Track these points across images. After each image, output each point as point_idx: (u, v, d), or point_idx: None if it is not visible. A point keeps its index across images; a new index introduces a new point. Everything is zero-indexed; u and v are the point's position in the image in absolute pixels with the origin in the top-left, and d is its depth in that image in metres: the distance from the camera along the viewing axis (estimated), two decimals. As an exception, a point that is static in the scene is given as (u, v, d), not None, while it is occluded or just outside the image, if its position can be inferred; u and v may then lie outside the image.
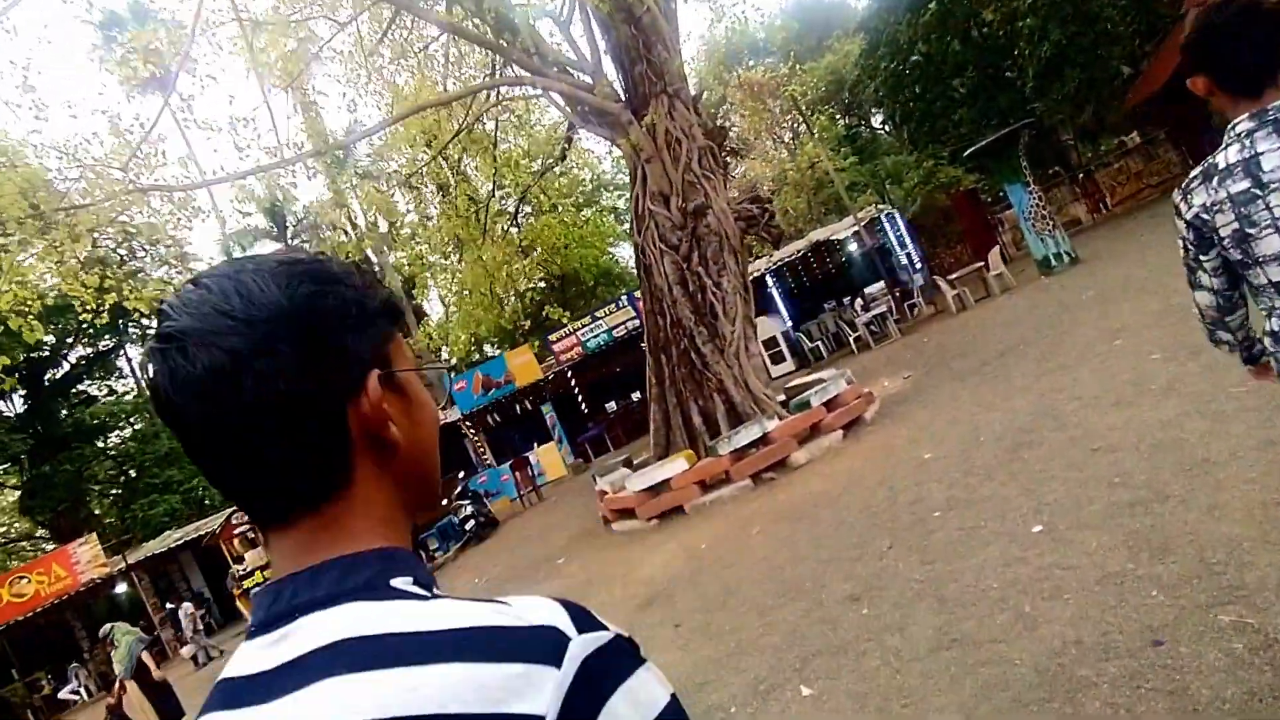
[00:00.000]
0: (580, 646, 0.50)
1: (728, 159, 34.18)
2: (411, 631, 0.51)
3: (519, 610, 0.53)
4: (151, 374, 0.57)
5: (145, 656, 7.75)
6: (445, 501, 15.00)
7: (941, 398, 7.60)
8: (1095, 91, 19.37)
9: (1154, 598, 2.72)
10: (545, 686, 0.48)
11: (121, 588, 19.09)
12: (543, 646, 0.50)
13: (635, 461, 9.70)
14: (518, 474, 15.58)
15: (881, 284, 16.51)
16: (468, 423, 18.78)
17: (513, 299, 26.87)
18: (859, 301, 16.61)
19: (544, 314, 16.68)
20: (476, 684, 0.48)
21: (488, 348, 32.75)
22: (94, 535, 18.62)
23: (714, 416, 8.57)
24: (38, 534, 27.34)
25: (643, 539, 7.55)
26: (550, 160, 15.30)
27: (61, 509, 23.12)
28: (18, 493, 25.65)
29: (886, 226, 17.45)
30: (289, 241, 28.25)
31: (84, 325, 23.62)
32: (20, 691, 17.62)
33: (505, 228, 18.45)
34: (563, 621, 0.52)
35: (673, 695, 0.53)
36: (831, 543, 4.88)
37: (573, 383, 18.87)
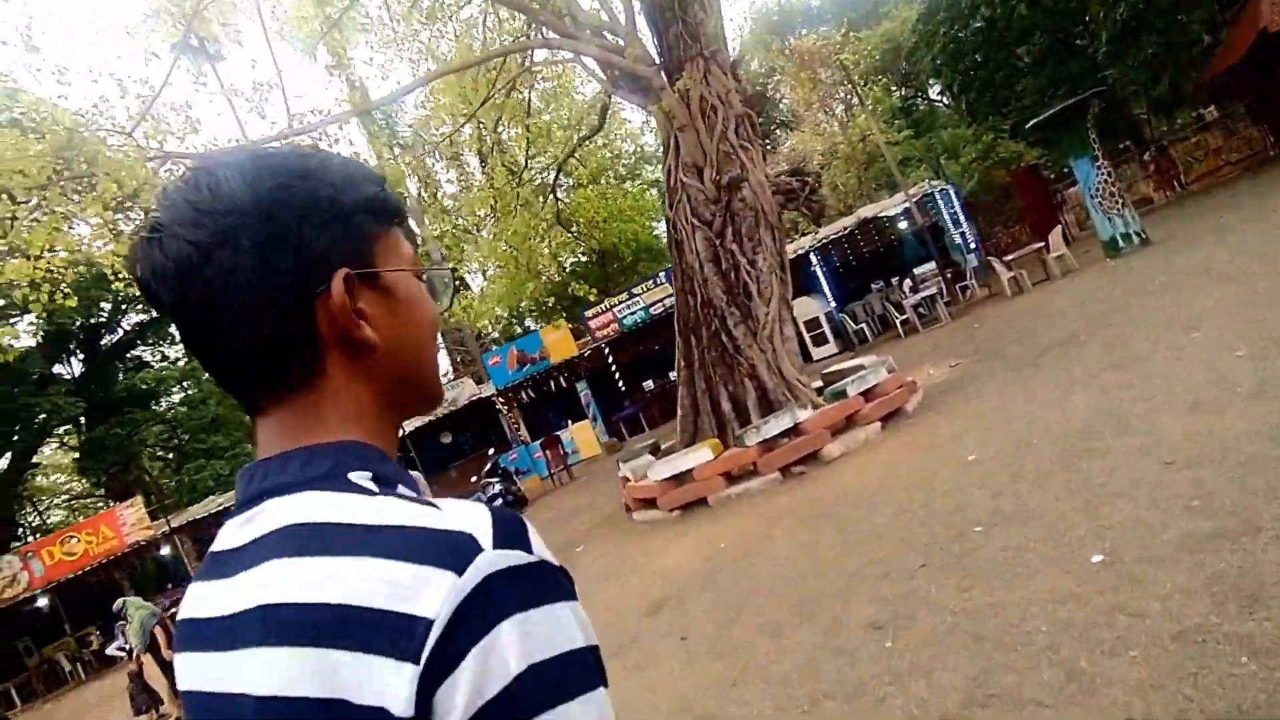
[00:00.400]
0: (489, 561, 0.48)
1: (777, 130, 33.18)
2: (345, 523, 0.52)
3: (448, 514, 0.52)
4: (136, 262, 0.59)
5: (158, 631, 7.72)
6: (473, 479, 14.90)
7: (991, 390, 6.98)
8: (1173, 59, 17.95)
9: (1244, 666, 2.20)
10: (440, 591, 0.47)
11: (166, 550, 19.61)
12: (452, 552, 0.49)
13: (663, 446, 9.30)
14: (549, 452, 15.35)
15: (932, 264, 15.66)
16: (501, 399, 18.62)
17: (550, 272, 26.60)
18: (907, 282, 15.81)
19: (570, 290, 16.27)
20: (385, 579, 0.48)
21: (529, 322, 32.67)
22: (139, 498, 19.11)
23: (744, 403, 8.09)
24: (97, 493, 28.45)
25: (663, 531, 7.17)
26: (587, 131, 14.78)
27: (114, 471, 23.87)
28: (76, 454, 26.63)
29: (939, 203, 16.54)
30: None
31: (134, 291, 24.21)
32: (71, 646, 18.28)
33: (543, 199, 18.10)
34: (482, 531, 0.50)
35: (585, 648, 0.50)
36: (858, 553, 4.41)
37: (609, 360, 18.51)
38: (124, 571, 19.42)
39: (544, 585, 0.50)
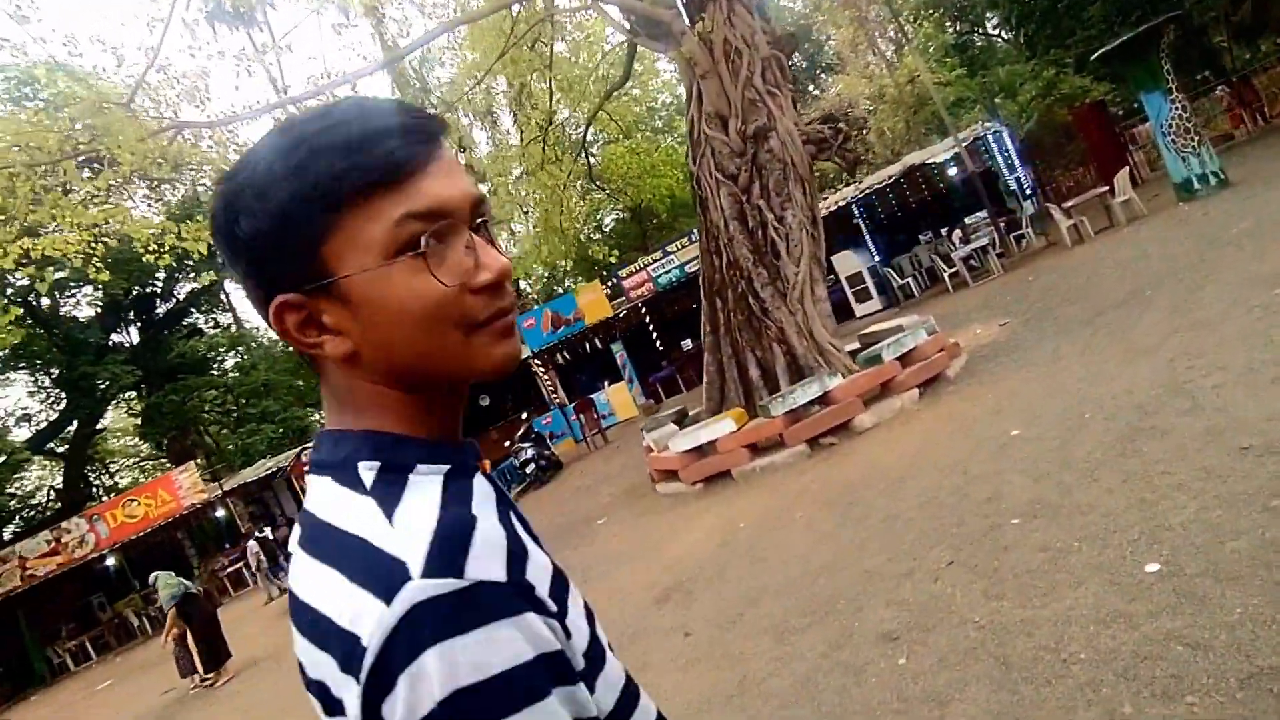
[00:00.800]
0: (414, 591, 0.50)
1: (821, 74, 31.64)
2: (330, 525, 0.57)
3: (396, 531, 0.53)
4: None
5: (173, 613, 7.81)
6: (507, 443, 14.80)
7: (1041, 355, 6.38)
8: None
9: (1338, 731, 1.75)
10: (371, 617, 0.50)
11: (221, 511, 20.25)
12: (385, 578, 0.50)
13: (691, 414, 8.92)
14: (583, 415, 15.13)
15: (984, 213, 14.69)
16: (537, 361, 18.44)
17: (586, 230, 26.09)
18: (957, 233, 14.90)
19: (593, 253, 15.82)
20: (343, 594, 0.52)
21: (569, 282, 32.35)
22: (193, 463, 19.70)
23: (773, 369, 7.63)
24: (160, 456, 29.62)
25: (684, 507, 6.84)
26: (614, 83, 14.14)
27: (173, 435, 24.68)
28: (138, 419, 27.68)
29: (993, 147, 15.45)
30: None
31: (187, 260, 24.69)
32: (136, 602, 19.15)
33: (574, 156, 17.60)
34: (415, 556, 0.51)
35: (530, 661, 0.51)
36: (880, 545, 3.99)
37: (647, 320, 18.08)
38: (185, 531, 20.19)
39: (475, 609, 0.50)
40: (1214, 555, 2.58)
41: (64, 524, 18.93)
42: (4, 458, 21.47)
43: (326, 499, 0.59)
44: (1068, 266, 10.39)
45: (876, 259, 15.84)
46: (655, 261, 17.66)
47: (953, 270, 13.68)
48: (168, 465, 26.37)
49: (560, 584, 0.62)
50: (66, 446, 25.47)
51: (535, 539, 0.65)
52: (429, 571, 0.50)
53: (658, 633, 4.20)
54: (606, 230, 31.49)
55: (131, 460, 33.99)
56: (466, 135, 24.40)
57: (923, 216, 18.12)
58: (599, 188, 18.94)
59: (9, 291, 22.01)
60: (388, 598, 0.49)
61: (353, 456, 0.59)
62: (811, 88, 31.98)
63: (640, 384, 18.30)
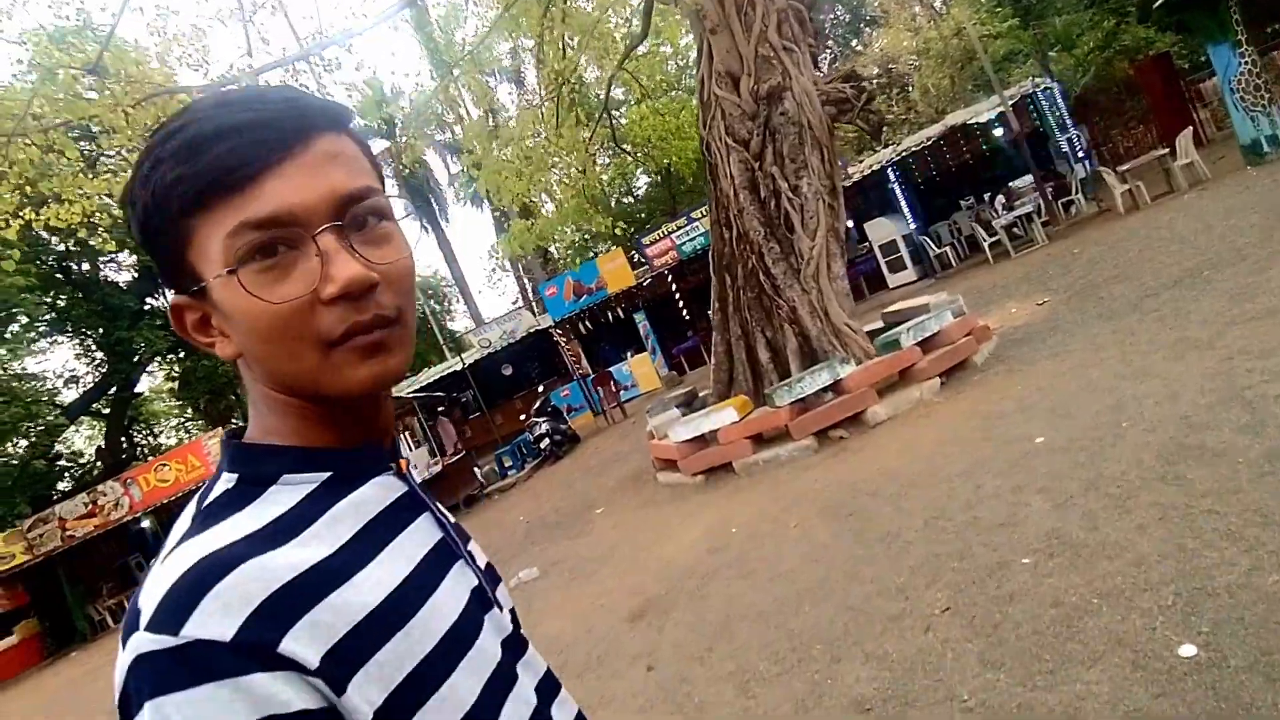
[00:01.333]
0: (137, 644, 0.50)
1: (865, 28, 30.09)
2: (163, 549, 0.56)
3: (164, 568, 0.52)
4: None
5: None
6: (523, 417, 14.52)
7: (1079, 343, 5.72)
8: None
9: None
10: (119, 663, 0.50)
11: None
12: (130, 625, 0.51)
13: (701, 394, 8.43)
14: (601, 389, 14.74)
15: (1030, 178, 13.68)
16: (559, 330, 18.06)
17: (609, 192, 25.34)
18: (1000, 199, 13.95)
19: (617, 218, 15.23)
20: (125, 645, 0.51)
21: (604, 247, 31.75)
22: (219, 429, 19.92)
23: (784, 352, 7.08)
24: (197, 420, 30.28)
25: (681, 501, 6.40)
26: (634, 39, 13.38)
27: (206, 399, 25.08)
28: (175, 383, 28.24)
29: (1043, 105, 14.35)
30: (398, 140, 27.95)
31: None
32: (170, 564, 19.60)
33: (598, 116, 16.94)
34: (149, 607, 0.50)
35: None
36: (873, 572, 3.50)
37: (674, 288, 17.49)
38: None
39: (186, 668, 0.48)
40: (1267, 641, 2.04)
41: (100, 487, 19.37)
42: (43, 425, 22.02)
43: (180, 521, 0.58)
44: (1119, 238, 9.53)
45: (913, 226, 14.96)
46: (679, 229, 17.02)
47: (994, 239, 12.80)
48: (206, 427, 26.92)
49: (400, 624, 0.56)
50: (108, 409, 26.13)
51: (455, 547, 0.66)
52: (151, 624, 0.49)
53: (623, 659, 3.79)
54: (638, 195, 30.71)
55: (175, 421, 34.87)
56: (492, 96, 23.82)
57: (964, 181, 17.08)
58: (623, 150, 18.22)
59: (49, 258, 22.38)
60: (124, 644, 0.50)
61: (220, 467, 0.59)
62: (855, 42, 30.49)
63: (664, 355, 17.83)
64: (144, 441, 31.72)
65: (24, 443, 23.79)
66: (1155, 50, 16.37)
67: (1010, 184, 14.63)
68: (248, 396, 0.62)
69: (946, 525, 3.64)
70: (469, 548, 0.71)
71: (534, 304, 23.39)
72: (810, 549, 4.13)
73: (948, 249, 14.15)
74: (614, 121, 17.35)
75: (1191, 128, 11.84)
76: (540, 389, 16.90)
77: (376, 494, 0.62)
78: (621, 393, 16.71)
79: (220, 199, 0.54)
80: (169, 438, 33.82)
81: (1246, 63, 9.90)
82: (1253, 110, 9.93)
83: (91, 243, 11.22)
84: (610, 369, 16.95)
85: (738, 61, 7.29)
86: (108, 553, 20.02)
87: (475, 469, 13.40)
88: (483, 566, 0.71)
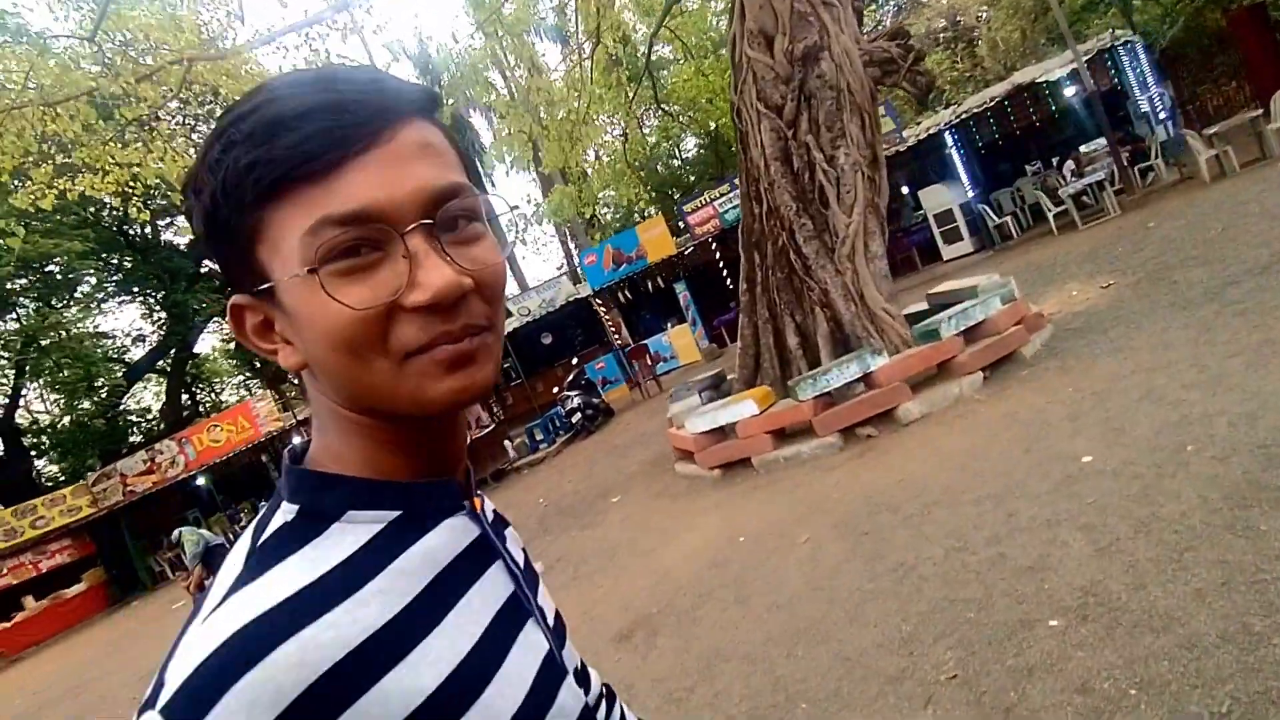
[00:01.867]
0: None
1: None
2: (195, 621, 0.49)
3: (200, 630, 0.47)
4: None
5: (198, 570, 7.73)
6: (555, 389, 14.29)
7: (1145, 338, 5.07)
8: None
9: None
10: None
11: (298, 439, 20.96)
12: (150, 696, 0.46)
13: (730, 375, 7.98)
14: (636, 362, 14.38)
15: (1104, 141, 12.56)
16: (598, 300, 17.70)
17: (652, 156, 24.61)
18: (1070, 165, 12.88)
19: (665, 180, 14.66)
20: None
21: (652, 211, 31.08)
22: (269, 391, 20.37)
23: (814, 338, 6.58)
24: (254, 381, 31.20)
25: (695, 496, 6.02)
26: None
27: (258, 361, 25.71)
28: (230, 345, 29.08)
29: (1123, 60, 13.11)
30: (443, 102, 27.68)
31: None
32: (223, 522, 20.30)
33: (640, 77, 16.34)
34: (173, 683, 0.45)
35: None
36: (878, 612, 3.07)
37: (717, 257, 16.88)
38: (269, 454, 21.11)
39: None
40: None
41: (158, 445, 20.09)
42: (108, 385, 22.92)
43: (238, 547, 0.53)
44: (1201, 211, 8.60)
45: (971, 194, 13.99)
46: (722, 196, 16.34)
47: (1060, 209, 11.83)
48: (265, 385, 27.71)
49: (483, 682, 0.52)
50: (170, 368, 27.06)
51: (526, 602, 0.61)
52: (169, 709, 0.44)
53: (600, 691, 3.48)
54: (687, 158, 29.85)
55: (238, 380, 36.05)
56: (535, 55, 23.25)
57: (1031, 144, 15.89)
58: (666, 111, 17.54)
59: (109, 222, 23.03)
60: (138, 716, 0.46)
61: (280, 494, 0.55)
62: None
63: (705, 326, 17.33)
64: (206, 399, 32.90)
65: (94, 399, 24.87)
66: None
67: (1081, 148, 13.51)
68: (312, 412, 0.58)
69: (968, 561, 3.17)
70: (539, 599, 0.65)
71: (576, 270, 23.07)
72: (816, 573, 3.72)
73: (1009, 219, 13.19)
74: (656, 82, 16.70)
75: (1292, 86, 10.60)
76: (574, 361, 16.61)
77: (448, 540, 0.56)
78: (660, 364, 16.33)
79: (299, 190, 0.48)
80: (232, 395, 34.99)
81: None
82: (1368, 65, 8.76)
83: (130, 211, 11.29)
84: (648, 340, 16.56)
85: (772, 18, 6.66)
86: (166, 507, 20.83)
87: (507, 441, 13.27)
88: (550, 618, 0.65)
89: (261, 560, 0.50)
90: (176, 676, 0.45)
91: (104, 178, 10.24)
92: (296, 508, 0.53)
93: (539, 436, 13.22)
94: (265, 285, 0.51)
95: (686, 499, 6.07)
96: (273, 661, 0.44)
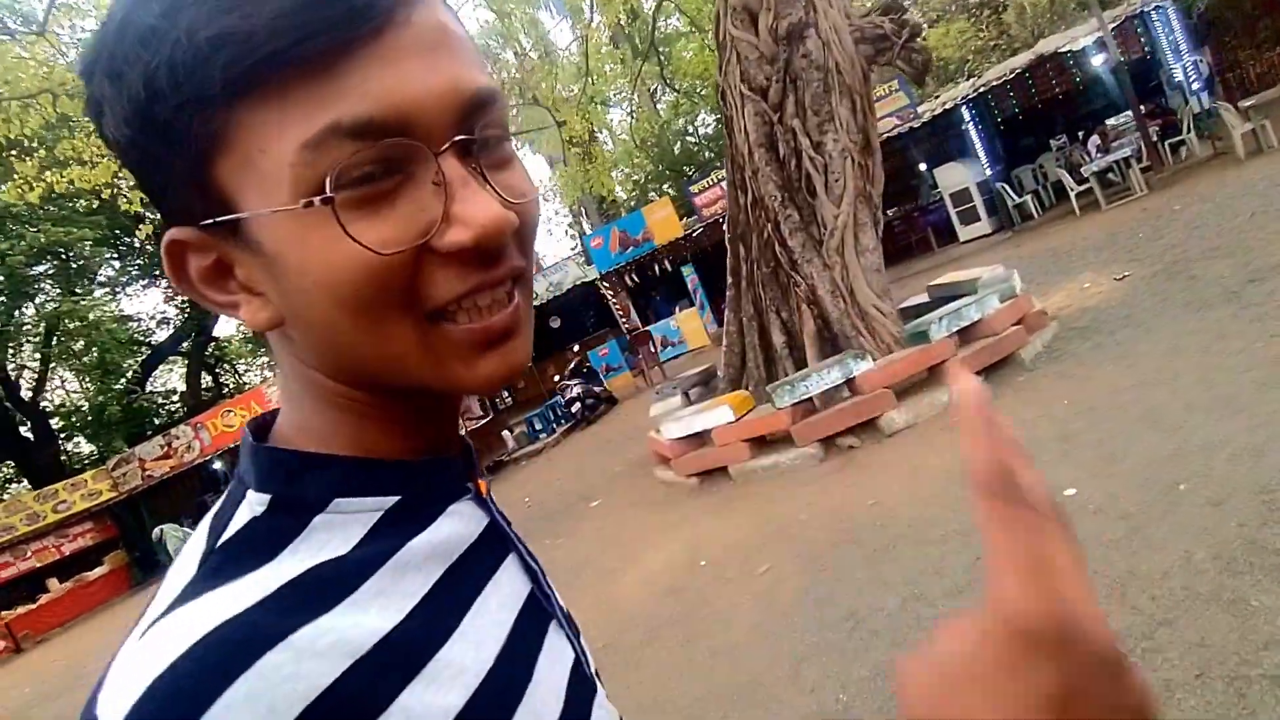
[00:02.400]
0: None
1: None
2: (160, 598, 0.38)
3: (138, 651, 0.34)
4: None
5: None
6: (557, 377, 14.04)
7: (1153, 343, 4.63)
8: None
9: None
10: None
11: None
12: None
13: (720, 372, 7.62)
14: (640, 349, 14.06)
15: (1130, 114, 11.82)
16: (605, 283, 17.36)
17: (664, 132, 24.00)
18: (1094, 139, 12.17)
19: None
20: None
21: (668, 189, 30.50)
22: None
23: (799, 337, 6.20)
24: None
25: (669, 507, 5.72)
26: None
27: (276, 343, 25.90)
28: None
29: (1156, 27, 12.31)
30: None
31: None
32: (238, 505, 20.56)
33: (644, 51, 15.88)
34: (110, 711, 0.33)
35: None
36: (815, 679, 2.75)
37: (727, 239, 16.40)
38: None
39: None
40: None
41: (174, 430, 20.33)
42: (127, 368, 23.25)
43: (188, 546, 0.41)
44: (1232, 192, 7.99)
45: (989, 172, 13.34)
46: (731, 175, 15.81)
47: (1084, 187, 11.19)
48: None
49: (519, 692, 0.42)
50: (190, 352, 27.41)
51: (546, 602, 0.50)
52: None
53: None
54: (706, 134, 29.16)
55: (262, 360, 36.50)
56: (544, 32, 22.73)
57: (1056, 117, 15.09)
58: (673, 88, 17.03)
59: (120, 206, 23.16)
60: None
61: (242, 481, 0.42)
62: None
63: (713, 310, 16.92)
64: (229, 381, 33.31)
65: (117, 383, 25.26)
66: (1303, -45, 13.74)
67: (1109, 121, 12.76)
68: (280, 379, 0.45)
69: (922, 615, 2.83)
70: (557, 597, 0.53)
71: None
72: (768, 615, 3.40)
73: (1030, 198, 12.53)
74: (662, 57, 16.17)
75: (1340, 51, 9.81)
76: (575, 348, 16.30)
77: (456, 529, 0.45)
78: (668, 348, 16.01)
79: (292, 82, 0.35)
80: (256, 375, 35.44)
81: None
82: None
83: (119, 204, 11.15)
84: (654, 325, 16.24)
85: (756, -6, 6.20)
86: (185, 491, 21.14)
87: (506, 432, 13.08)
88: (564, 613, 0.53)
89: (222, 566, 0.37)
90: (112, 708, 0.32)
91: (92, 169, 10.11)
92: (268, 498, 0.41)
93: (538, 426, 13.00)
94: (228, 217, 0.38)
95: (661, 509, 5.77)
96: (259, 673, 0.32)
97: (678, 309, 17.04)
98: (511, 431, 13.32)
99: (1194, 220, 7.46)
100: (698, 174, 21.57)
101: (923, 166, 15.57)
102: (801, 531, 4.17)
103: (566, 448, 11.41)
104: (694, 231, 16.34)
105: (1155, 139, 11.31)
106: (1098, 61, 13.56)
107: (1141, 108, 11.46)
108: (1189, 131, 11.31)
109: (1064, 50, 12.69)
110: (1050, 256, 8.90)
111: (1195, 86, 12.25)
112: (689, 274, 16.57)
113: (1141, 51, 13.25)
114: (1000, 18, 20.20)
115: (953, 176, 13.23)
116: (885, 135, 13.77)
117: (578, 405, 12.51)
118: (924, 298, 6.92)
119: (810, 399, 5.35)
